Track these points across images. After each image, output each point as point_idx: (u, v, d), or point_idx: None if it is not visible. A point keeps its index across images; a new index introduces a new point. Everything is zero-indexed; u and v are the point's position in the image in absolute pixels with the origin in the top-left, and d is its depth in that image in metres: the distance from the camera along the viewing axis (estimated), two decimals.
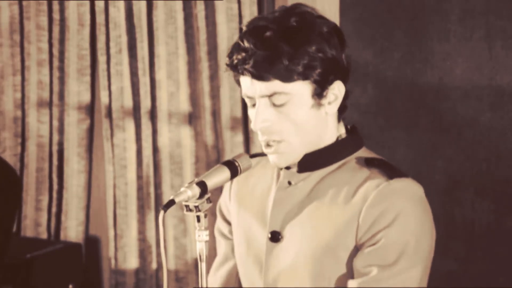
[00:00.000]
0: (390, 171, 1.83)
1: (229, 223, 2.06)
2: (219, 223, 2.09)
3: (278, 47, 1.77)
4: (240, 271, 2.00)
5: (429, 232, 1.83)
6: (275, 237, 1.89)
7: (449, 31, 3.19)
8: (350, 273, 1.82)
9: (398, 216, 1.78)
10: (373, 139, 3.32)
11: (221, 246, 2.08)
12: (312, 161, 1.87)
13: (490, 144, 3.15)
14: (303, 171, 1.88)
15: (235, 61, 1.81)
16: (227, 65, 1.84)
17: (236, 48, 1.82)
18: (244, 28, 1.84)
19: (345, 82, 1.86)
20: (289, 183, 1.90)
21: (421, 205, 1.82)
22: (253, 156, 2.04)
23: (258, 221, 1.95)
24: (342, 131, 1.91)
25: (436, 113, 3.23)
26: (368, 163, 1.86)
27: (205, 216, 1.73)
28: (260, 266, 1.93)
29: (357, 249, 1.81)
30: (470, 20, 3.15)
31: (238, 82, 1.88)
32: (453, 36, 3.19)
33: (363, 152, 1.91)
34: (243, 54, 1.80)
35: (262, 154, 1.99)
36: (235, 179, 2.04)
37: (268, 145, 1.84)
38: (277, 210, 1.90)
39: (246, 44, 1.79)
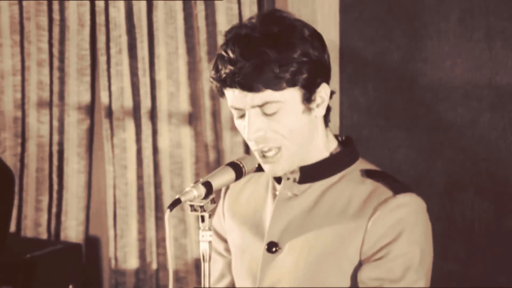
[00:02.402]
0: (395, 184, 1.84)
1: (224, 240, 2.06)
2: (213, 242, 2.07)
3: (265, 55, 1.75)
4: (236, 284, 2.01)
5: (430, 246, 1.86)
6: (272, 248, 1.89)
7: (449, 31, 3.19)
8: (353, 285, 1.83)
9: (404, 230, 1.80)
10: (373, 139, 3.32)
11: (216, 263, 2.08)
12: (312, 172, 1.87)
13: (490, 144, 3.16)
14: (304, 182, 1.88)
15: (224, 75, 1.78)
16: (214, 78, 1.80)
17: (221, 60, 1.79)
18: (224, 38, 1.81)
19: (328, 83, 1.86)
20: (289, 194, 1.89)
21: (424, 219, 1.85)
22: None
23: (252, 233, 1.94)
24: (333, 139, 1.91)
25: (436, 113, 3.23)
26: (370, 175, 1.87)
27: (210, 216, 1.74)
28: (254, 278, 1.93)
29: (360, 262, 1.82)
30: (470, 20, 3.15)
31: (221, 94, 1.84)
32: (453, 36, 3.19)
33: (362, 163, 1.91)
34: (231, 67, 1.76)
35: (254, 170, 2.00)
36: (227, 195, 2.05)
37: (264, 156, 1.83)
38: (276, 221, 1.90)
39: (232, 55, 1.76)
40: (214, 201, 1.75)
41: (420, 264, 1.81)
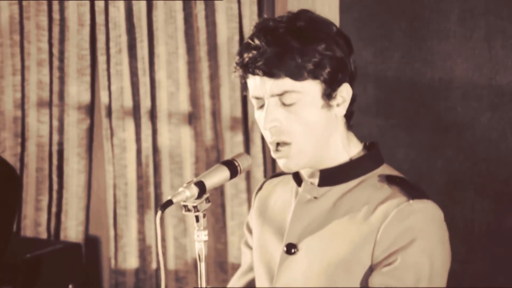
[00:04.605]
0: (412, 190, 1.82)
1: None
2: (247, 237, 2.10)
3: (289, 44, 1.78)
4: (256, 283, 2.02)
5: (446, 255, 1.84)
6: (290, 249, 1.89)
7: (449, 31, 3.19)
8: None
9: (416, 237, 1.78)
10: (373, 139, 3.31)
11: (247, 256, 2.09)
12: (332, 176, 1.87)
13: (490, 144, 3.15)
14: (324, 185, 1.88)
15: (246, 60, 1.80)
16: (237, 64, 1.83)
17: (246, 47, 1.82)
18: (254, 29, 1.84)
19: (352, 87, 1.86)
20: (309, 196, 1.90)
21: (440, 228, 1.83)
22: (276, 175, 2.06)
23: (275, 233, 1.95)
24: (357, 144, 1.91)
25: (436, 113, 3.23)
26: (389, 180, 1.86)
27: (204, 216, 1.73)
28: (271, 277, 1.93)
29: (372, 268, 1.81)
30: (470, 20, 3.15)
31: (244, 85, 1.87)
32: (453, 36, 3.18)
33: (385, 169, 1.90)
34: (254, 52, 1.79)
35: (285, 173, 2.00)
36: (258, 196, 2.07)
37: (277, 150, 1.83)
38: (295, 223, 1.90)
39: (257, 42, 1.79)
40: (208, 201, 1.74)
41: (432, 274, 1.79)
